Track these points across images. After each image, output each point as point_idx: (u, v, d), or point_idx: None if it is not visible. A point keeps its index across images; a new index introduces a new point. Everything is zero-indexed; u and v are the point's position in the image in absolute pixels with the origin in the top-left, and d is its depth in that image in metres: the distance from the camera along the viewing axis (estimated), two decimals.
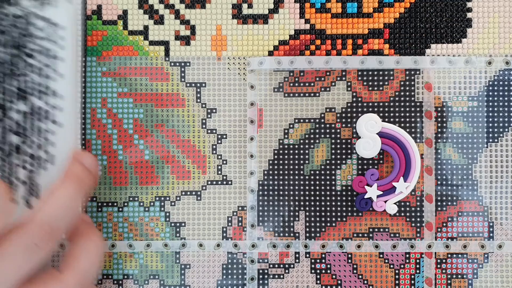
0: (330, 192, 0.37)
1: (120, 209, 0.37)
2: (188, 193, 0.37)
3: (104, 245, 0.33)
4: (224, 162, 0.37)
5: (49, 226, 0.29)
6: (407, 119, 0.36)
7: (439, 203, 0.36)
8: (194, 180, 0.37)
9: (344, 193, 0.37)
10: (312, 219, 0.37)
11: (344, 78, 0.37)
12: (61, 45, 0.33)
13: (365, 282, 0.37)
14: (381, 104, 0.37)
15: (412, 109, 0.37)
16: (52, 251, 0.30)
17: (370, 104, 0.37)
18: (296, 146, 0.37)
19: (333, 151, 0.37)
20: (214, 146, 0.37)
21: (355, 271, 0.37)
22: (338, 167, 0.37)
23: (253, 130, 0.37)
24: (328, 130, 0.37)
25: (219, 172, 0.37)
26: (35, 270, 0.29)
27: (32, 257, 0.29)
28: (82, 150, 0.34)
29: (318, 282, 0.37)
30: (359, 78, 0.37)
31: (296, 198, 0.37)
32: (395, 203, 0.36)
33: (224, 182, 0.37)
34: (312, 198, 0.37)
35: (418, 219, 0.36)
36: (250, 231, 0.37)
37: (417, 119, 0.36)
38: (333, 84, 0.37)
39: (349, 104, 0.37)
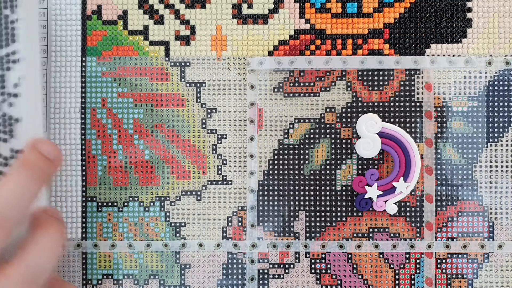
0: (330, 192, 0.37)
1: (120, 209, 0.37)
2: (188, 193, 0.37)
3: (63, 240, 0.31)
4: (224, 162, 0.37)
5: None
6: (407, 119, 0.36)
7: (439, 203, 0.36)
8: (194, 180, 0.37)
9: (344, 193, 0.37)
10: (312, 219, 0.37)
11: (344, 78, 0.37)
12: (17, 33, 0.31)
13: (365, 282, 0.37)
14: (381, 104, 0.37)
15: (412, 109, 0.37)
16: (3, 241, 0.28)
17: (370, 104, 0.37)
18: (296, 146, 0.37)
19: (333, 151, 0.37)
20: (214, 146, 0.37)
21: (355, 271, 0.37)
22: (338, 167, 0.37)
23: (253, 130, 0.37)
24: (328, 130, 0.37)
25: (219, 172, 0.37)
26: None
27: None
28: (41, 138, 0.31)
29: (318, 282, 0.37)
30: (359, 78, 0.37)
31: (296, 198, 0.37)
32: (395, 203, 0.36)
33: (224, 182, 0.37)
34: (312, 198, 0.37)
35: (418, 219, 0.36)
36: (250, 231, 0.37)
37: (417, 119, 0.37)
38: (333, 84, 0.37)
39: (349, 104, 0.37)
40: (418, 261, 0.36)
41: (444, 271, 0.36)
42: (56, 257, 0.30)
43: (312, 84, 0.37)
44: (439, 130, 0.36)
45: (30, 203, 0.29)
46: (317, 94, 0.37)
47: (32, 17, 0.32)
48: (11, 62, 0.32)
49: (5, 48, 0.31)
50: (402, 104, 0.37)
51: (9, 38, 0.31)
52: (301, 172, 0.37)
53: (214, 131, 0.37)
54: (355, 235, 0.37)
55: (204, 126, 0.37)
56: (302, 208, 0.37)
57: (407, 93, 0.37)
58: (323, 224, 0.37)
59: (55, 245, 0.30)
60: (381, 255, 0.37)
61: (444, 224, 0.36)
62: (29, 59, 0.32)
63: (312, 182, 0.37)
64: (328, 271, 0.37)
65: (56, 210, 0.32)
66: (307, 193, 0.37)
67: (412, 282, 0.36)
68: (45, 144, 0.31)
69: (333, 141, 0.37)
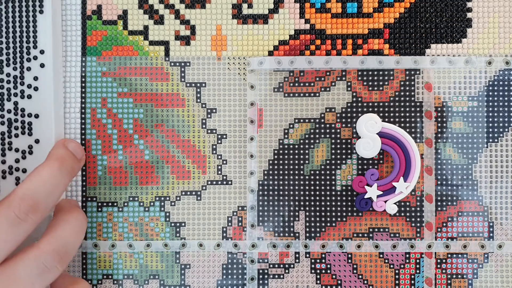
0: (330, 192, 0.37)
1: (120, 209, 0.37)
2: (188, 193, 0.37)
3: (86, 222, 0.33)
4: (224, 162, 0.37)
5: (30, 198, 0.30)
6: (407, 119, 0.36)
7: (439, 203, 0.36)
8: (194, 180, 0.37)
9: (344, 193, 0.37)
10: (312, 219, 0.37)
11: (344, 78, 0.37)
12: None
13: (365, 282, 0.37)
14: (381, 104, 0.37)
15: (412, 109, 0.37)
16: (36, 224, 0.30)
17: (370, 104, 0.37)
18: (296, 146, 0.37)
19: (333, 151, 0.37)
20: (214, 146, 0.37)
21: (355, 271, 0.37)
22: (338, 167, 0.37)
23: (253, 130, 0.37)
24: (328, 130, 0.37)
25: (219, 172, 0.37)
26: (19, 244, 0.30)
27: (14, 230, 0.29)
28: (67, 138, 0.36)
29: (318, 282, 0.37)
30: (359, 78, 0.37)
31: (296, 198, 0.37)
32: (395, 203, 0.36)
33: (224, 182, 0.37)
34: (312, 198, 0.37)
35: (418, 219, 0.36)
36: (250, 231, 0.37)
37: (417, 119, 0.36)
38: (333, 84, 0.37)
39: (349, 104, 0.37)
40: (418, 261, 0.36)
41: (444, 271, 0.36)
42: (82, 237, 0.33)
43: (312, 84, 0.37)
44: (439, 130, 0.36)
45: (61, 194, 0.32)
46: (317, 94, 0.37)
47: (56, 14, 0.36)
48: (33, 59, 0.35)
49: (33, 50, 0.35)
50: (402, 104, 0.37)
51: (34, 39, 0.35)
52: (301, 172, 0.37)
53: (214, 131, 0.37)
54: (355, 235, 0.37)
55: (204, 126, 0.37)
56: (302, 208, 0.37)
57: (407, 93, 0.37)
58: (323, 224, 0.37)
59: (80, 225, 0.32)
60: (381, 255, 0.37)
61: (444, 224, 0.36)
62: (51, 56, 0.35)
63: (312, 182, 0.37)
64: (328, 271, 0.37)
65: (75, 201, 0.36)
66: (307, 193, 0.37)
67: (412, 282, 0.36)
68: (72, 142, 0.35)
69: (333, 141, 0.37)
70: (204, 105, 0.37)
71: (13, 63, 0.35)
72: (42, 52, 0.35)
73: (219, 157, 0.37)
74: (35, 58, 0.35)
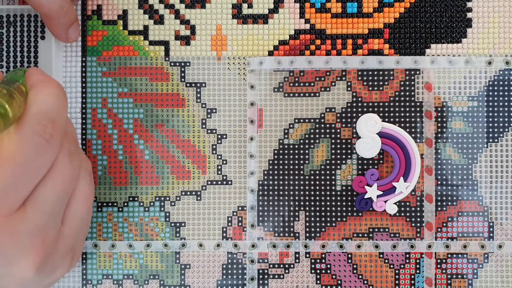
0: (330, 192, 0.37)
1: (120, 209, 0.37)
2: (188, 193, 0.37)
3: (62, 89, 0.30)
4: (224, 162, 0.37)
5: (47, 119, 0.28)
6: (407, 119, 0.36)
7: (439, 203, 0.36)
8: (194, 180, 0.37)
9: (344, 193, 0.37)
10: (312, 219, 0.37)
11: (344, 78, 0.37)
12: None
13: (365, 282, 0.37)
14: (381, 104, 0.37)
15: (412, 109, 0.37)
16: (59, 148, 0.28)
17: (370, 104, 0.37)
18: (296, 146, 0.37)
19: (333, 151, 0.37)
20: (214, 146, 0.37)
21: (355, 271, 0.37)
22: (338, 167, 0.37)
23: (253, 130, 0.37)
24: (328, 130, 0.37)
25: (219, 172, 0.37)
26: (48, 166, 0.28)
27: (43, 153, 0.27)
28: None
29: (318, 282, 0.37)
30: (359, 78, 0.37)
31: (296, 198, 0.37)
32: (395, 203, 0.36)
33: (224, 182, 0.37)
34: (312, 198, 0.37)
35: (418, 219, 0.36)
36: (250, 231, 0.37)
37: (417, 119, 0.36)
38: (333, 84, 0.37)
39: (349, 104, 0.37)
40: (418, 261, 0.36)
41: (444, 271, 0.36)
42: (63, 102, 0.29)
43: (312, 84, 0.37)
44: (439, 130, 0.36)
45: (66, 109, 0.30)
46: (317, 94, 0.37)
47: None
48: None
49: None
50: (402, 104, 0.37)
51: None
52: (301, 172, 0.37)
53: (214, 131, 0.37)
54: (355, 235, 0.37)
55: (204, 126, 0.37)
56: (302, 208, 0.37)
57: (407, 93, 0.37)
58: (323, 224, 0.37)
59: (56, 93, 0.29)
60: (381, 255, 0.37)
61: (444, 224, 0.36)
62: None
63: (312, 182, 0.37)
64: (328, 271, 0.37)
65: (43, 73, 0.31)
66: (307, 193, 0.37)
67: (412, 282, 0.36)
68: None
69: (333, 141, 0.37)
70: (204, 105, 0.37)
71: (14, 62, 0.35)
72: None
73: (219, 157, 0.37)
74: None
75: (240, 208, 0.37)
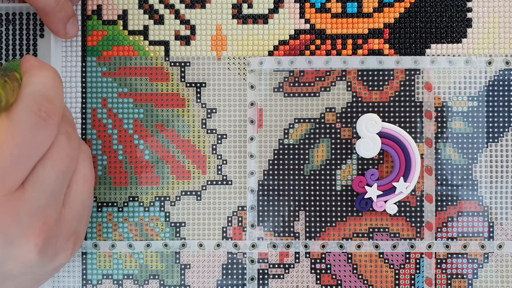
0: (330, 192, 0.37)
1: (120, 209, 0.37)
2: (188, 193, 0.37)
3: (57, 73, 0.30)
4: (224, 162, 0.37)
5: (44, 98, 0.28)
6: (407, 119, 0.36)
7: (439, 203, 0.36)
8: (194, 180, 0.37)
9: (344, 193, 0.37)
10: (312, 219, 0.37)
11: (344, 78, 0.37)
12: None
13: (365, 282, 0.37)
14: (381, 104, 0.37)
15: (412, 109, 0.37)
16: (57, 130, 0.28)
17: (370, 104, 0.37)
18: (296, 146, 0.37)
19: (333, 151, 0.37)
20: (214, 146, 0.37)
21: (355, 271, 0.37)
22: (338, 167, 0.37)
23: (253, 130, 0.37)
24: (328, 130, 0.37)
25: (219, 172, 0.37)
26: (44, 152, 0.28)
27: (39, 133, 0.27)
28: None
29: (318, 282, 0.37)
30: (359, 78, 0.37)
31: (296, 198, 0.37)
32: (395, 203, 0.36)
33: (224, 182, 0.37)
34: (312, 198, 0.37)
35: (418, 219, 0.36)
36: (250, 231, 0.37)
37: (417, 119, 0.36)
38: (333, 84, 0.37)
39: (349, 104, 0.37)
40: (418, 261, 0.36)
41: (444, 271, 0.36)
42: (58, 84, 0.29)
43: (312, 84, 0.37)
44: (439, 130, 0.36)
45: (62, 93, 0.30)
46: (317, 94, 0.37)
47: None
48: None
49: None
50: (402, 104, 0.37)
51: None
52: (301, 172, 0.37)
53: (214, 131, 0.37)
54: (355, 235, 0.37)
55: (204, 126, 0.37)
56: (302, 208, 0.37)
57: (407, 93, 0.37)
58: (323, 224, 0.37)
59: (51, 76, 0.29)
60: (381, 255, 0.37)
61: (444, 224, 0.36)
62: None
63: (312, 182, 0.37)
64: (328, 271, 0.37)
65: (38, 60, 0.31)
66: (307, 193, 0.37)
67: (412, 282, 0.36)
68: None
69: (333, 141, 0.37)
70: (204, 105, 0.37)
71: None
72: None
73: (219, 157, 0.37)
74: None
75: (240, 208, 0.37)
